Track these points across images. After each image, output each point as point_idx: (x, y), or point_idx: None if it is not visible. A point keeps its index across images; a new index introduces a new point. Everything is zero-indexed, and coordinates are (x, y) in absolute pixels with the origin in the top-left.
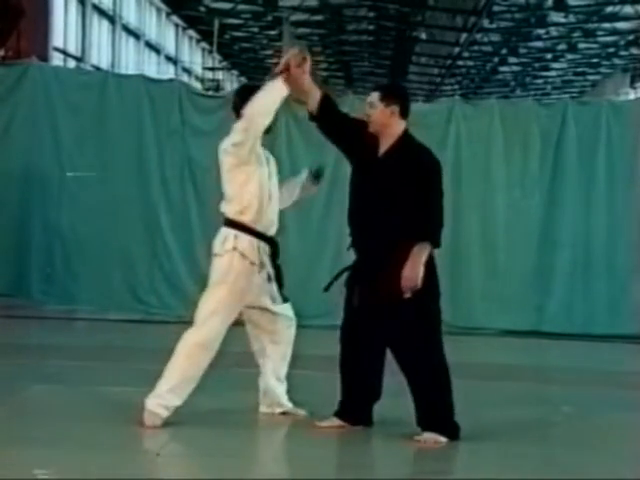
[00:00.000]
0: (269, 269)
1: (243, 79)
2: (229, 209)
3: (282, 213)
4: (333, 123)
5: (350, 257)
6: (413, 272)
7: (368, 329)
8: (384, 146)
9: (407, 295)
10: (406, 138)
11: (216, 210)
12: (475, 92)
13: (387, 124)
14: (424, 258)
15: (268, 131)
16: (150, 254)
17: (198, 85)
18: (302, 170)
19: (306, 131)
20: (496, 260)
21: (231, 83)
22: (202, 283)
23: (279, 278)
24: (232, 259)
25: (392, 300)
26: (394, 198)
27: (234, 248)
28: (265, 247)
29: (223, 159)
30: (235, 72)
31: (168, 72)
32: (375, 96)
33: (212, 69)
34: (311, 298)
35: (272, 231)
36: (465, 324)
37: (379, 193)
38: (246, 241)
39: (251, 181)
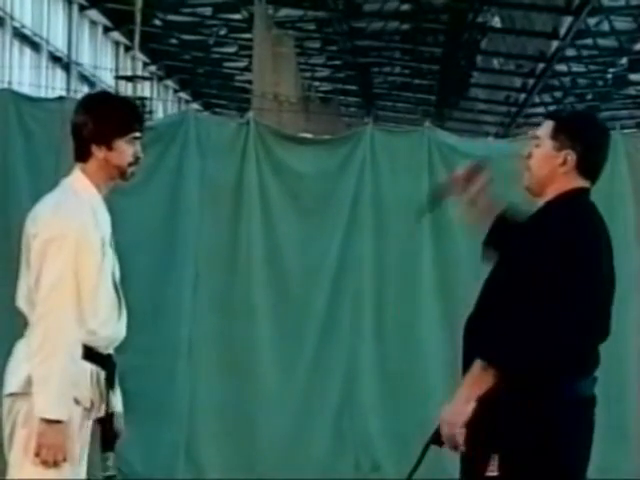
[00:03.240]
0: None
1: (185, 95)
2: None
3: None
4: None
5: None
6: (451, 413)
7: None
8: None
9: (455, 447)
10: (561, 203)
11: None
12: None
13: (552, 179)
14: (474, 390)
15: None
16: None
17: None
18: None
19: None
20: None
21: (167, 104)
22: None
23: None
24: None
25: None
26: (493, 297)
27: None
28: (100, 373)
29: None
30: (172, 83)
31: (53, 81)
32: (547, 127)
33: (131, 78)
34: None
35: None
36: None
37: (484, 290)
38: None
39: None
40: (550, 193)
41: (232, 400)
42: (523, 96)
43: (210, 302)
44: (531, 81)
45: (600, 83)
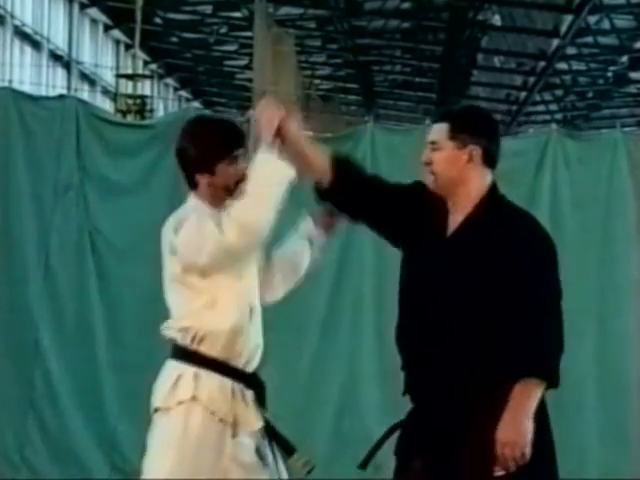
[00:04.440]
0: (256, 430)
1: (185, 94)
2: (179, 332)
3: None
4: (359, 195)
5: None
6: (517, 434)
7: None
8: (457, 215)
9: (499, 473)
10: (494, 200)
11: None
12: (587, 116)
13: (461, 178)
14: (533, 406)
15: None
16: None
17: (107, 105)
18: (301, 219)
19: None
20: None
21: (167, 102)
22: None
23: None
24: (189, 416)
25: None
26: (475, 305)
27: (193, 398)
28: (245, 392)
29: (166, 256)
30: (172, 82)
31: (53, 80)
32: (441, 130)
33: (132, 77)
34: None
35: (254, 364)
36: None
37: (448, 298)
38: (214, 384)
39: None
40: (462, 192)
41: None
42: (524, 94)
43: None
44: (532, 79)
45: (600, 81)
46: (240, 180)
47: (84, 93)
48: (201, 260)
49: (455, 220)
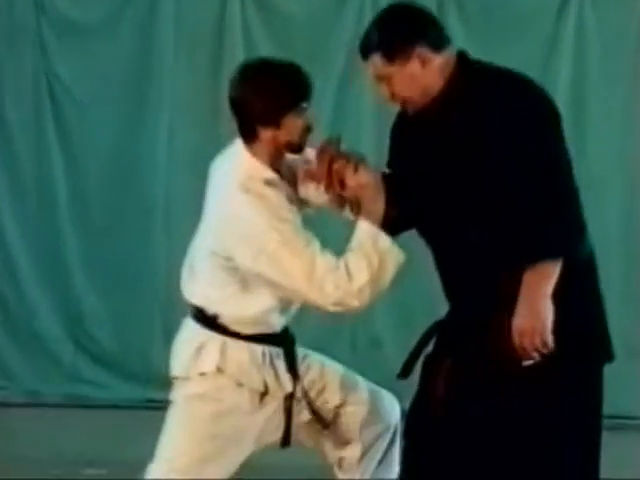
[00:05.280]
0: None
1: None
2: (204, 295)
3: None
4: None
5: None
6: (532, 318)
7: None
8: (436, 116)
9: (527, 363)
10: (463, 74)
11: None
12: None
13: (429, 83)
14: (549, 288)
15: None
16: None
17: None
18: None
19: None
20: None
21: None
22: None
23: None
24: (215, 388)
25: (499, 378)
26: (470, 193)
27: (218, 369)
28: (275, 352)
29: (212, 212)
30: None
31: None
32: (376, 64)
33: None
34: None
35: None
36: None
37: (446, 193)
38: (243, 355)
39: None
40: (431, 93)
41: None
42: None
43: (187, 161)
44: None
45: None
46: (305, 134)
47: None
48: (288, 282)
49: (435, 121)
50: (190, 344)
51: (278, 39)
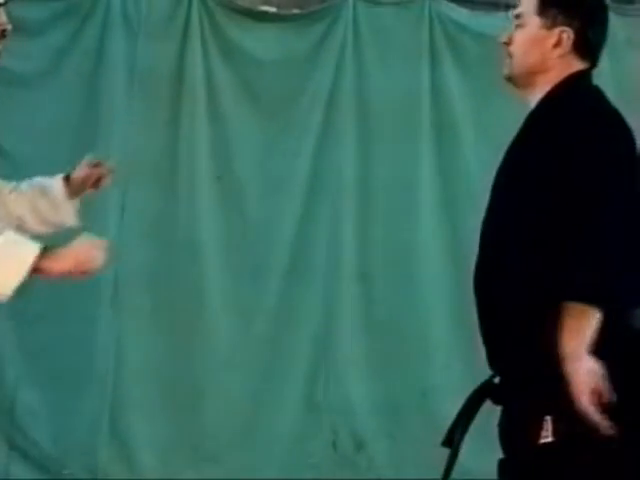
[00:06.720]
0: None
1: None
2: None
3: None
4: None
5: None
6: (582, 374)
7: None
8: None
9: (600, 422)
10: (567, 95)
11: None
12: None
13: (543, 65)
14: (587, 334)
15: None
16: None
17: None
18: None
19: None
20: None
21: None
22: None
23: None
24: None
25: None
26: (531, 220)
27: None
28: None
29: None
30: None
31: None
32: (529, 1)
33: None
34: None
35: None
36: None
37: (504, 215)
38: None
39: None
40: (542, 84)
41: (170, 359)
42: None
43: (141, 230)
44: None
45: None
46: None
47: None
48: None
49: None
50: None
51: (245, 87)
